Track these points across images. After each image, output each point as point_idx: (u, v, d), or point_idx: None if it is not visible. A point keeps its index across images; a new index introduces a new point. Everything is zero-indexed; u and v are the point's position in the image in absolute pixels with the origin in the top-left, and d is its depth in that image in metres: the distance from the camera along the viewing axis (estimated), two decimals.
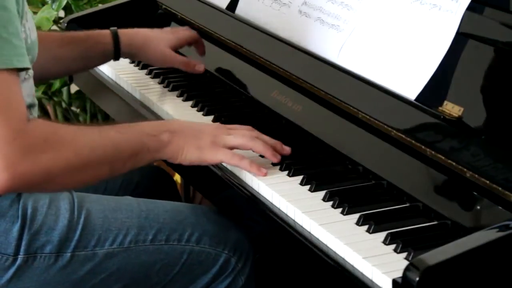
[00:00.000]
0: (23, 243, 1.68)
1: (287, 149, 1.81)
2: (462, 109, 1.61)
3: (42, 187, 1.64)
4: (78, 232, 1.72)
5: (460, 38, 1.68)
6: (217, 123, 1.96)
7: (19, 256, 1.69)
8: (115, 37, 2.16)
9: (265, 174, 1.74)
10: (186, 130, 1.77)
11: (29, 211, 1.70)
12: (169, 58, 2.19)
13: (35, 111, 1.79)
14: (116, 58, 2.19)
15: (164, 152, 1.74)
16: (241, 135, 1.78)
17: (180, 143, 1.74)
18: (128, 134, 1.71)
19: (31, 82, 1.77)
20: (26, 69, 1.62)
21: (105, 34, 2.17)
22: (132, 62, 2.39)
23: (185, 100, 2.14)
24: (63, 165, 1.61)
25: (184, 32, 2.27)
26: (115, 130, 1.71)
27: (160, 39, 2.20)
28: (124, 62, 2.40)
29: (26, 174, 1.56)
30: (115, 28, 2.18)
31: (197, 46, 2.27)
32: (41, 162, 1.57)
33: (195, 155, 1.75)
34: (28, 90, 1.73)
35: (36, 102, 1.81)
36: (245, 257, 1.84)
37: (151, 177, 2.18)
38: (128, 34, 2.19)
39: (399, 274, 1.33)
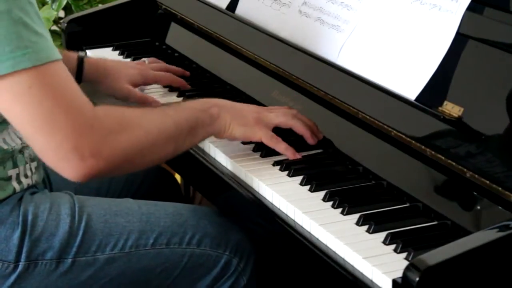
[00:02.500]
0: (24, 250, 1.68)
1: (320, 134, 1.85)
2: (462, 109, 1.61)
3: (120, 170, 1.65)
4: (79, 238, 1.72)
5: (460, 38, 1.68)
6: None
7: (20, 263, 1.68)
8: (80, 63, 2.12)
9: (301, 157, 1.78)
10: (231, 106, 1.80)
11: (30, 217, 1.69)
12: (126, 94, 2.14)
13: None
14: (77, 82, 2.15)
15: (214, 126, 1.76)
16: (283, 114, 1.83)
17: (227, 118, 1.77)
18: (184, 112, 1.73)
19: None
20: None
21: (70, 56, 2.11)
22: (132, 61, 2.39)
23: (185, 100, 2.14)
24: (138, 145, 1.62)
25: (154, 74, 2.20)
26: (172, 109, 1.74)
27: (121, 74, 2.15)
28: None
29: (110, 157, 1.57)
30: (83, 55, 2.15)
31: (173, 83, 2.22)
32: (120, 144, 1.59)
33: (240, 131, 1.78)
34: None
35: None
36: (246, 258, 1.84)
37: (153, 177, 2.18)
38: (93, 63, 2.15)
39: (399, 274, 1.33)
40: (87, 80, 2.14)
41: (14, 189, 1.72)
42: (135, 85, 2.17)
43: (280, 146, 1.79)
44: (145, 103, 2.13)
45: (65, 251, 1.71)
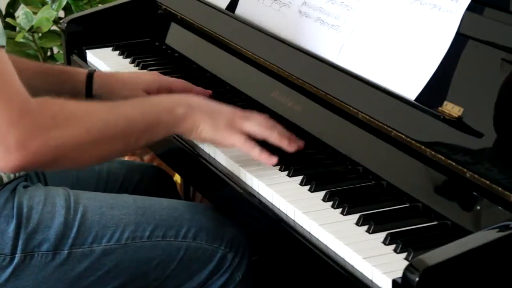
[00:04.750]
0: (20, 242, 1.69)
1: (301, 143, 1.79)
2: (462, 109, 1.61)
3: (54, 164, 1.60)
4: (75, 229, 1.73)
5: (460, 38, 1.68)
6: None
7: (16, 255, 1.70)
8: (89, 78, 2.06)
9: (276, 162, 1.74)
10: (204, 107, 1.75)
11: (25, 209, 1.70)
12: None
13: None
14: (88, 97, 2.06)
15: (179, 126, 1.72)
16: (258, 123, 1.77)
17: (196, 119, 1.72)
18: (142, 108, 1.70)
19: None
20: (2, 47, 1.57)
21: (80, 72, 2.07)
22: (132, 62, 2.39)
23: None
24: (74, 142, 1.58)
25: (167, 79, 2.11)
26: (129, 104, 1.69)
27: (136, 82, 2.06)
28: (123, 61, 2.40)
29: (38, 152, 1.53)
30: (94, 69, 2.10)
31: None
32: (51, 140, 1.55)
33: (209, 133, 1.74)
34: None
35: None
36: (241, 253, 1.85)
37: (150, 177, 2.19)
38: (103, 77, 2.08)
39: (399, 274, 1.33)
40: (99, 93, 2.07)
41: (1, 178, 1.72)
42: (151, 92, 2.09)
43: (255, 151, 1.74)
44: None
45: (61, 242, 1.72)
